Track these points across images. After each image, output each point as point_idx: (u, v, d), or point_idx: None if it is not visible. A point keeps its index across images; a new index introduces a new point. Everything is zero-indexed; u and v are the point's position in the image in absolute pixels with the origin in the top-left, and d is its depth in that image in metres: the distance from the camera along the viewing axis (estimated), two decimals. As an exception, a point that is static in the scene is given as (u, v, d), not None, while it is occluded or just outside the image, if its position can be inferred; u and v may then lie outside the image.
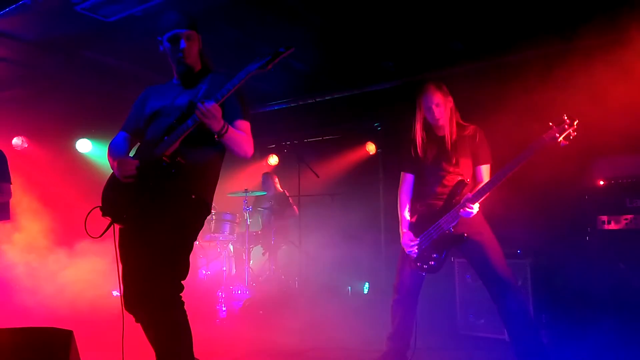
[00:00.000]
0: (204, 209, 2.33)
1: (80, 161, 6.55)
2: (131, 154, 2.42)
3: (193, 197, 2.25)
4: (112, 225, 2.24)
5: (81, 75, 5.29)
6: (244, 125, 2.31)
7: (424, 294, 3.13)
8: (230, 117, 2.26)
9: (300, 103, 6.42)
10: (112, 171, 2.32)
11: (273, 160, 7.52)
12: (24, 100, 5.53)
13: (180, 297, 2.16)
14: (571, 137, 2.68)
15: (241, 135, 2.27)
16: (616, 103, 3.70)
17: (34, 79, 5.22)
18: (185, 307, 2.18)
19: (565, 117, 2.68)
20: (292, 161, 6.17)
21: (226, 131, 2.17)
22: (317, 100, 6.22)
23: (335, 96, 6.08)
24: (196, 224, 2.30)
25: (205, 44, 2.42)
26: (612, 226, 3.63)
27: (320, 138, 7.14)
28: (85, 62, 4.99)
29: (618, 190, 3.67)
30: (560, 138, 2.67)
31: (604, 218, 3.69)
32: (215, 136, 2.16)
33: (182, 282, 2.18)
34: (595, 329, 3.40)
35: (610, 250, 3.64)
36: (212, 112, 2.08)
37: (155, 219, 2.15)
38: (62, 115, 5.94)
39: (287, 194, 6.56)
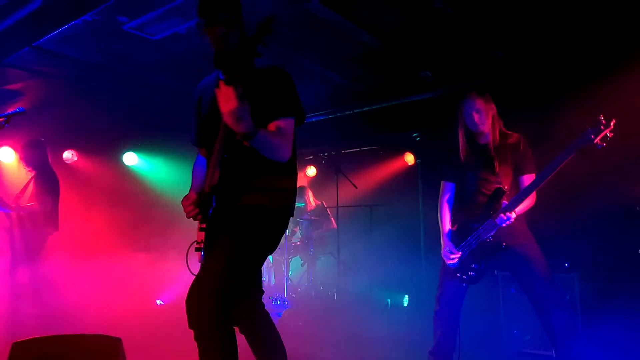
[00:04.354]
0: (279, 222, 2.14)
1: (126, 174, 6.80)
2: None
3: (266, 213, 2.09)
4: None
5: (128, 91, 5.50)
6: (282, 124, 2.01)
7: (467, 309, 3.06)
8: (267, 117, 2.00)
9: (338, 114, 6.45)
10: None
11: (311, 171, 7.55)
12: (74, 116, 5.79)
13: (230, 314, 1.96)
14: (608, 138, 2.57)
15: (273, 138, 1.97)
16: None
17: (83, 95, 5.46)
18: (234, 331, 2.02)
19: (602, 118, 2.58)
20: (330, 172, 6.19)
21: (253, 135, 1.84)
22: (355, 111, 6.23)
23: (374, 107, 6.08)
24: (270, 239, 2.12)
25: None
26: (667, 239, 3.47)
27: (358, 149, 7.13)
28: (131, 79, 5.18)
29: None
30: (597, 140, 2.57)
31: (658, 230, 3.52)
32: (238, 138, 1.85)
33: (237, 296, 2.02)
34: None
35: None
36: (230, 98, 1.73)
37: (227, 235, 2.02)
38: (110, 130, 6.19)
39: (325, 205, 6.57)
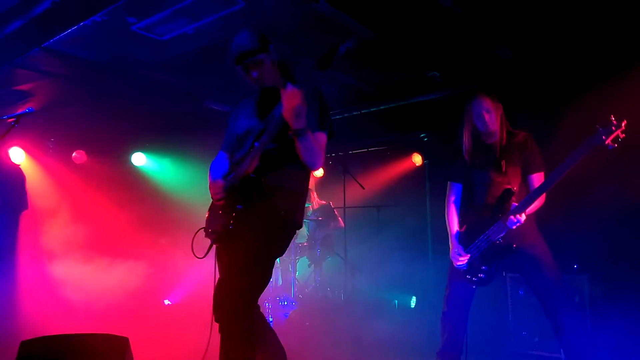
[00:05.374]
0: (292, 226, 2.36)
1: (135, 174, 6.83)
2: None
3: (282, 213, 2.28)
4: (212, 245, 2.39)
5: (136, 91, 5.52)
6: (319, 137, 2.28)
7: (475, 310, 3.04)
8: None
9: (346, 115, 6.45)
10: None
11: (318, 172, 7.54)
12: (83, 116, 5.82)
13: (253, 309, 2.19)
14: (620, 140, 2.55)
15: (315, 144, 2.22)
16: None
17: (92, 95, 5.48)
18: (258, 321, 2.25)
19: (613, 119, 2.56)
20: (337, 173, 6.18)
21: (304, 133, 2.12)
22: (363, 112, 6.22)
23: (381, 107, 6.06)
24: (282, 240, 2.33)
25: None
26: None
27: (366, 149, 7.11)
28: (140, 79, 5.20)
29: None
30: (608, 140, 2.55)
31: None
32: (291, 133, 2.11)
33: (259, 293, 2.21)
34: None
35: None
36: (296, 96, 2.01)
37: (243, 233, 2.22)
38: (119, 130, 6.22)
39: (332, 205, 6.55)
